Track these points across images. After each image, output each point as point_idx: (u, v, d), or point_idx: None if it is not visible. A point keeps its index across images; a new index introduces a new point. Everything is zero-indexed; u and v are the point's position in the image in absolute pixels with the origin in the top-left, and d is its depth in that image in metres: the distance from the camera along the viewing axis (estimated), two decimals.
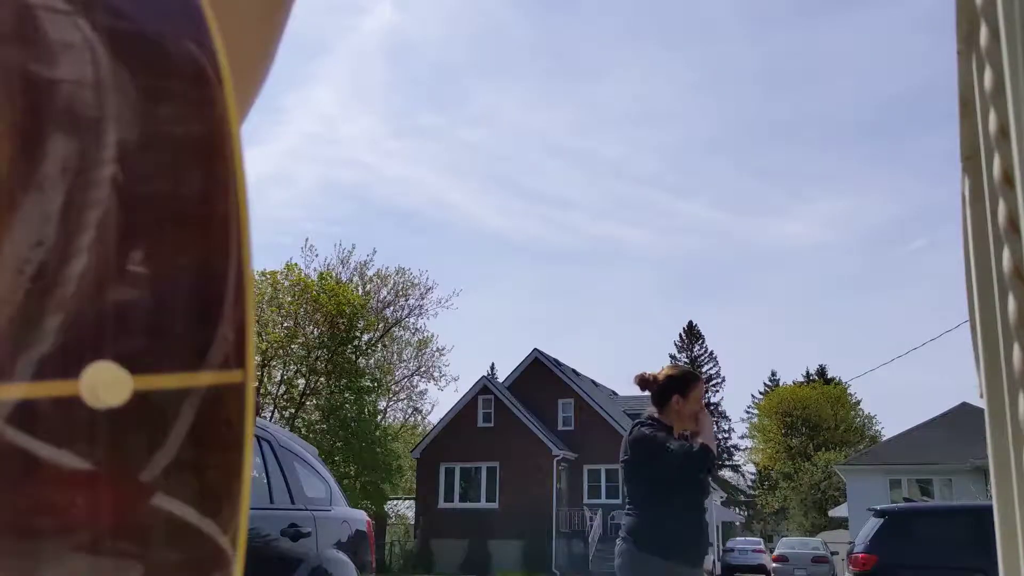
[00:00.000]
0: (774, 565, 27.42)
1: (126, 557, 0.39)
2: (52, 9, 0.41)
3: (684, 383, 3.49)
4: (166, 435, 0.41)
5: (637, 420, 3.53)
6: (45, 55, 0.40)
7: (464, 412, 32.52)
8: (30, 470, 0.37)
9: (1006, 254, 0.85)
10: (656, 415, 3.48)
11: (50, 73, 0.40)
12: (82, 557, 0.38)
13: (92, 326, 0.39)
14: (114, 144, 0.41)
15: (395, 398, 38.07)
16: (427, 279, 43.53)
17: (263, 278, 29.57)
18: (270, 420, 27.31)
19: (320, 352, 30.48)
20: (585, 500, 32.25)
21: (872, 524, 11.39)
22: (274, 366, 30.40)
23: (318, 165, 67.07)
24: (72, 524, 0.38)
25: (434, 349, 37.56)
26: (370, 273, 35.33)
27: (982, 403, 1.13)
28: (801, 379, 65.37)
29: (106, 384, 0.39)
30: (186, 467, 0.41)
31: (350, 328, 30.93)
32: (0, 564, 0.37)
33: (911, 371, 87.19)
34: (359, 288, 34.15)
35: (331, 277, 32.13)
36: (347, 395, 30.57)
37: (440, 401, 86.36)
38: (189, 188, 0.43)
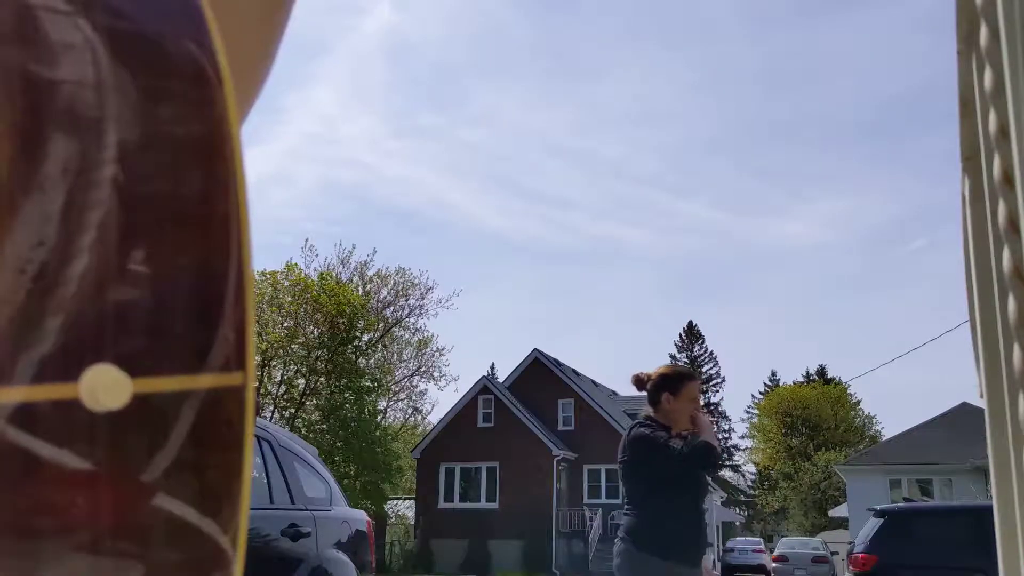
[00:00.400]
0: (774, 565, 27.42)
1: (127, 557, 0.39)
2: (52, 9, 0.41)
3: (675, 381, 3.47)
4: (166, 436, 0.41)
5: (636, 420, 3.53)
6: (46, 56, 0.40)
7: (464, 412, 32.52)
8: (30, 470, 0.37)
9: (1006, 254, 0.85)
10: (652, 415, 3.48)
11: (51, 74, 0.40)
12: (83, 557, 0.38)
13: (92, 327, 0.39)
14: (114, 144, 0.41)
15: (395, 398, 38.08)
16: (427, 279, 43.59)
17: (263, 278, 29.57)
18: (270, 420, 27.31)
19: (320, 352, 30.47)
20: (585, 500, 32.25)
21: (872, 524, 11.39)
22: (274, 366, 30.39)
23: (318, 165, 67.17)
24: (73, 524, 0.38)
25: (434, 349, 37.58)
26: (370, 273, 35.38)
27: (982, 403, 1.13)
28: (801, 379, 65.42)
29: (106, 387, 0.39)
30: (186, 468, 0.41)
31: (350, 328, 30.93)
32: (1, 564, 0.37)
33: (911, 371, 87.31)
34: (359, 288, 34.15)
35: (331, 277, 32.13)
36: (347, 395, 30.56)
37: (440, 401, 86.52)
38: (189, 188, 0.43)
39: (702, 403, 3.54)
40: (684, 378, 3.50)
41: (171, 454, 0.41)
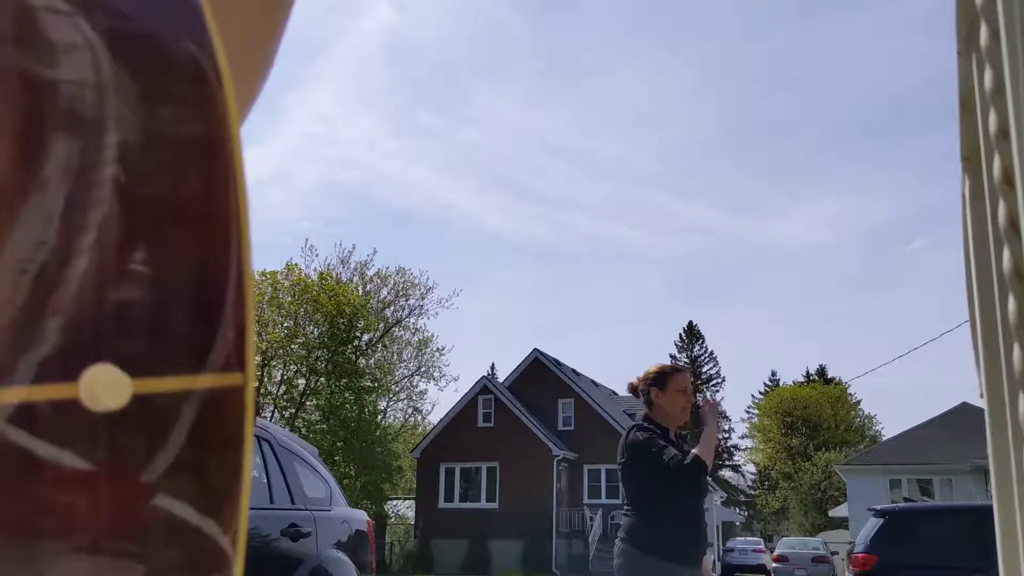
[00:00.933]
0: (774, 565, 27.43)
1: (127, 557, 0.39)
2: (53, 10, 0.41)
3: (660, 376, 3.49)
4: (166, 436, 0.41)
5: (634, 423, 3.53)
6: (46, 56, 0.40)
7: (464, 412, 32.52)
8: (30, 471, 0.37)
9: (1006, 254, 0.85)
10: (650, 415, 3.49)
11: (51, 74, 0.40)
12: (83, 557, 0.38)
13: (92, 327, 0.39)
14: (115, 144, 0.41)
15: (395, 398, 38.05)
16: (427, 279, 43.62)
17: (263, 278, 29.57)
18: (270, 420, 27.32)
19: (320, 352, 30.48)
20: (585, 500, 32.25)
21: (872, 524, 11.38)
22: (274, 366, 30.40)
23: (318, 165, 67.19)
24: (73, 525, 0.38)
25: (434, 349, 37.56)
26: (370, 273, 35.36)
27: (982, 403, 1.13)
28: (801, 379, 65.40)
29: (105, 387, 0.39)
30: (186, 468, 0.41)
31: (350, 328, 30.93)
32: (1, 565, 0.37)
33: (911, 371, 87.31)
34: (359, 288, 34.15)
35: (331, 277, 32.14)
36: (347, 395, 30.56)
37: (440, 401, 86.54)
38: (189, 188, 0.43)
39: (702, 402, 3.55)
40: (670, 372, 3.51)
41: (171, 454, 0.41)
